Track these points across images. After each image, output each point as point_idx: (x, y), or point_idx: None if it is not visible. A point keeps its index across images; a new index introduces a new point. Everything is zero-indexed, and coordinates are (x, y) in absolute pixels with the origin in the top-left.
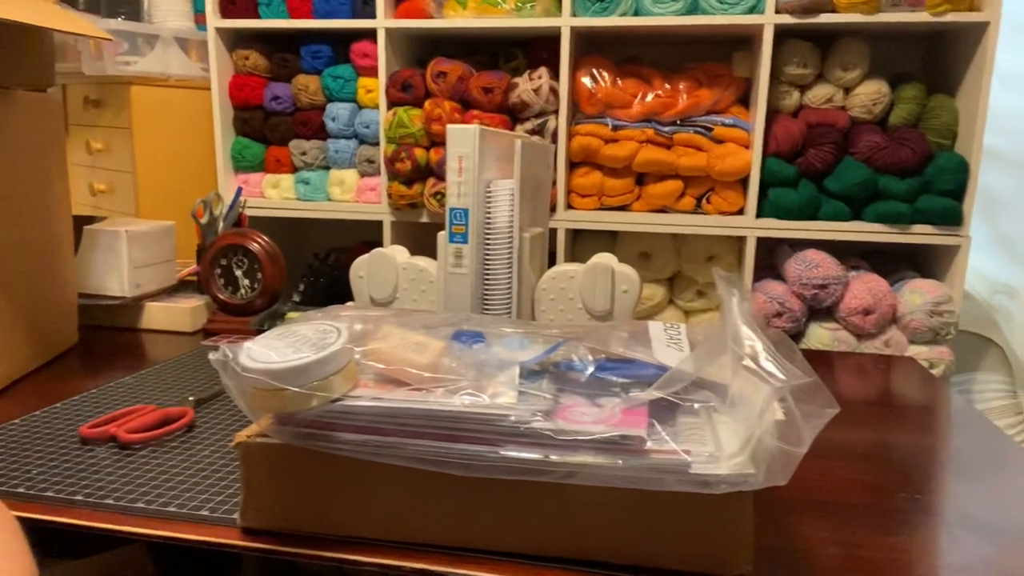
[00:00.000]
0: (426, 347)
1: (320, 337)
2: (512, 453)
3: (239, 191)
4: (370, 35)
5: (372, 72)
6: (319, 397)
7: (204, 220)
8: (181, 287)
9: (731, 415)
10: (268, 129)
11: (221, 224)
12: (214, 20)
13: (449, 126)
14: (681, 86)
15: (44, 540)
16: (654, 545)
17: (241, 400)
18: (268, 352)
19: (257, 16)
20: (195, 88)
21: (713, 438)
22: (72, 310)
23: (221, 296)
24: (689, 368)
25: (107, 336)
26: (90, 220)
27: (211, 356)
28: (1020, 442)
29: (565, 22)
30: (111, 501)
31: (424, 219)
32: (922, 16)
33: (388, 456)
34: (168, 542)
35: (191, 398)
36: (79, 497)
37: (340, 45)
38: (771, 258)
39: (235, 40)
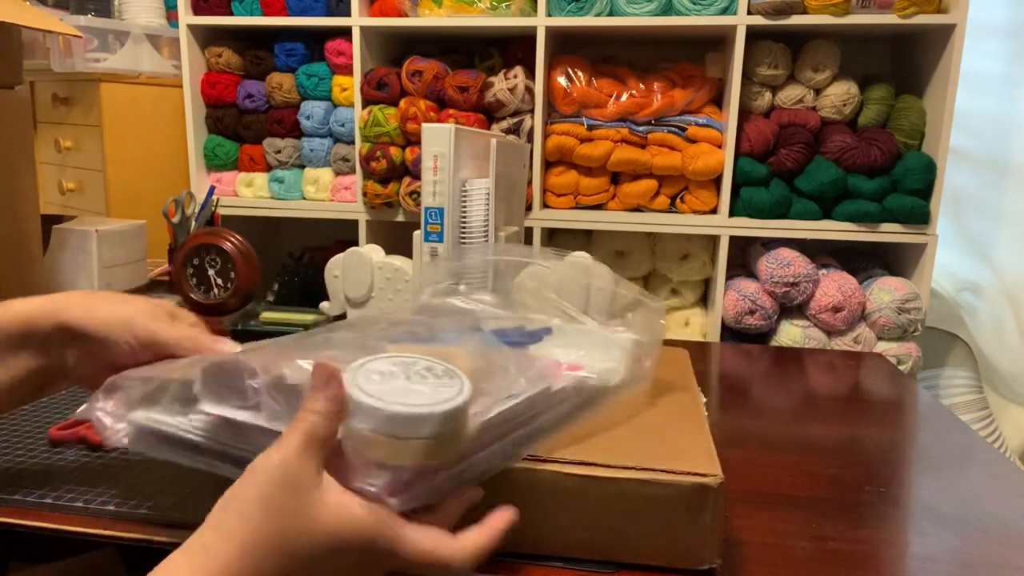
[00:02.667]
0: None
1: (425, 374)
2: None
3: (212, 190)
4: (345, 33)
5: (347, 70)
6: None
7: (176, 219)
8: (152, 287)
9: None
10: (241, 127)
11: (193, 223)
12: (186, 17)
13: (424, 125)
14: (655, 86)
15: (13, 544)
16: (625, 540)
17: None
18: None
19: (230, 13)
20: (167, 85)
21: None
22: None
23: (194, 296)
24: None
25: None
26: (59, 219)
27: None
28: (985, 436)
29: (540, 22)
30: (81, 504)
31: (400, 218)
32: (890, 18)
33: None
34: (140, 545)
35: None
36: (48, 500)
37: (314, 43)
38: (744, 256)
39: (207, 37)
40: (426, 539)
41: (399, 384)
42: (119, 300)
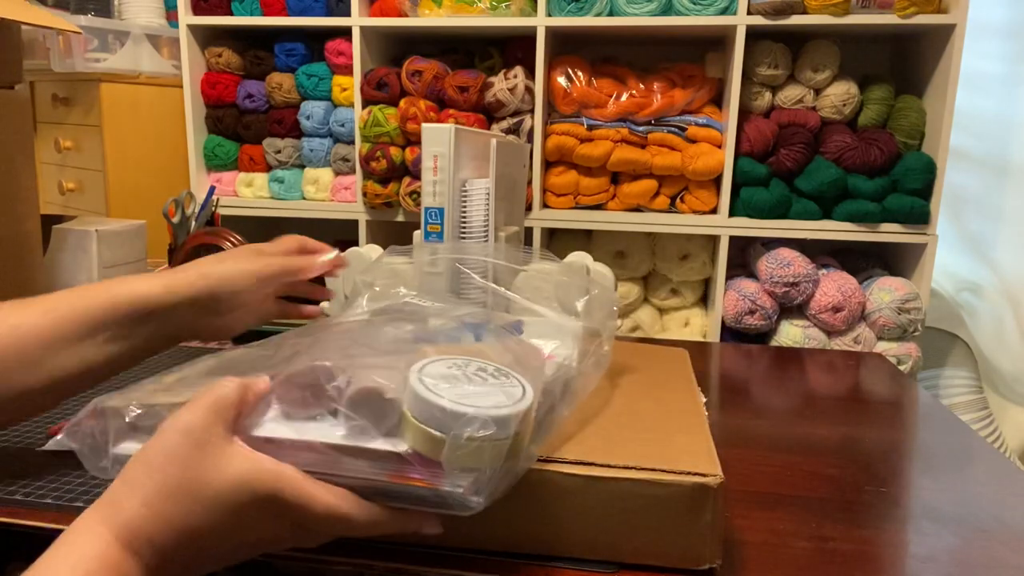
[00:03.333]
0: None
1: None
2: None
3: (212, 190)
4: (345, 33)
5: (347, 70)
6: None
7: (176, 219)
8: None
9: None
10: (241, 127)
11: (193, 223)
12: (186, 17)
13: (424, 125)
14: (655, 86)
15: (13, 544)
16: (625, 540)
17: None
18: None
19: (230, 13)
20: (167, 85)
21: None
22: None
23: None
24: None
25: None
26: (59, 219)
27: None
28: (985, 436)
29: (540, 21)
30: (81, 504)
31: (399, 218)
32: (890, 18)
33: None
34: None
35: None
36: (48, 500)
37: (314, 43)
38: (744, 256)
39: (207, 37)
40: (330, 493)
41: (470, 387)
42: (230, 258)
